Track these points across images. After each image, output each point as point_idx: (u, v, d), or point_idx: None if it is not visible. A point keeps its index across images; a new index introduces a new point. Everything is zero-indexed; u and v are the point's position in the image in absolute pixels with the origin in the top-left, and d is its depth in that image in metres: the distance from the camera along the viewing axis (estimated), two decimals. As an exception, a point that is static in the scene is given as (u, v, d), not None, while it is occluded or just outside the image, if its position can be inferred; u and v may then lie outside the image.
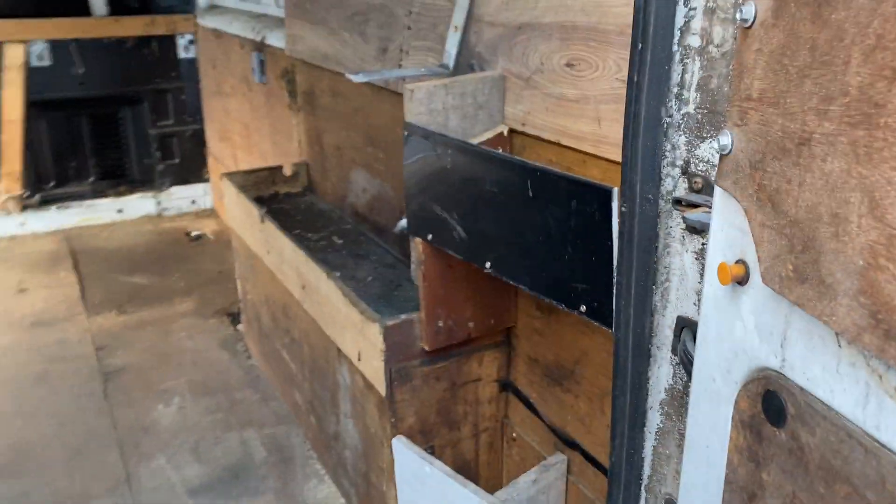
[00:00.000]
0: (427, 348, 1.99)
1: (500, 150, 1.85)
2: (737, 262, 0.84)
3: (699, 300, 0.99)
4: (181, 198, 5.42)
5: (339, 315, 2.23)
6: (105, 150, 5.27)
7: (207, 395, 3.20)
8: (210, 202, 5.48)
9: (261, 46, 3.81)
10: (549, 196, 1.47)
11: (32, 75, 4.74)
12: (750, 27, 0.79)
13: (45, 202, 5.08)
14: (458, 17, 1.97)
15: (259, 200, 3.12)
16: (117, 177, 5.34)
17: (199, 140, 5.33)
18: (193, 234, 5.06)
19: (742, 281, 0.84)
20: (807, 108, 0.71)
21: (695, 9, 0.96)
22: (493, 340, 2.14)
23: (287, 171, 3.42)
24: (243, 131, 4.47)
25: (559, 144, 1.74)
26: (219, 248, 4.80)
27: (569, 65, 1.67)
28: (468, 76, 1.88)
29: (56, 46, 4.76)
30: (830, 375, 0.73)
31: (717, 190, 0.87)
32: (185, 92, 5.21)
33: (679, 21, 0.97)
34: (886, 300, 0.63)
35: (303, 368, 2.80)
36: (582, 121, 1.66)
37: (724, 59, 0.95)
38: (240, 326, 3.71)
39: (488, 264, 1.68)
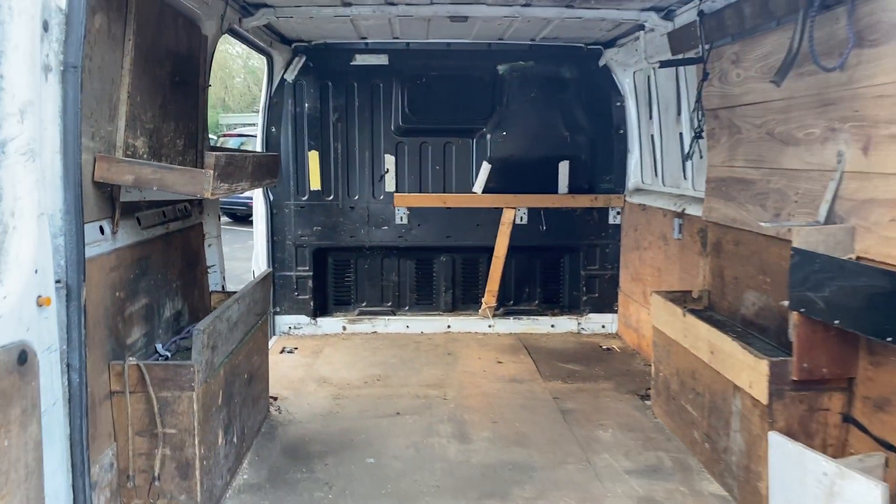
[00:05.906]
0: (795, 378, 3.43)
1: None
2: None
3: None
4: (595, 322, 7.41)
5: (738, 362, 3.77)
6: (548, 282, 7.60)
7: (630, 431, 4.87)
8: (615, 328, 7.38)
9: (681, 215, 5.69)
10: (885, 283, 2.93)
11: (514, 230, 7.24)
12: None
13: (506, 314, 7.46)
14: (829, 196, 3.55)
15: (677, 308, 4.83)
16: (553, 302, 7.59)
17: (614, 282, 7.35)
18: (605, 347, 6.95)
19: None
20: None
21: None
22: (840, 385, 3.48)
23: (695, 294, 5.11)
24: (655, 273, 6.32)
25: (886, 263, 3.17)
26: (623, 357, 6.60)
27: (892, 220, 3.14)
28: (832, 226, 3.42)
29: (532, 211, 7.24)
30: None
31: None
32: (609, 247, 7.33)
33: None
34: None
35: (702, 411, 4.33)
36: (899, 249, 3.09)
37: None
38: (647, 401, 5.35)
39: (836, 321, 3.14)
